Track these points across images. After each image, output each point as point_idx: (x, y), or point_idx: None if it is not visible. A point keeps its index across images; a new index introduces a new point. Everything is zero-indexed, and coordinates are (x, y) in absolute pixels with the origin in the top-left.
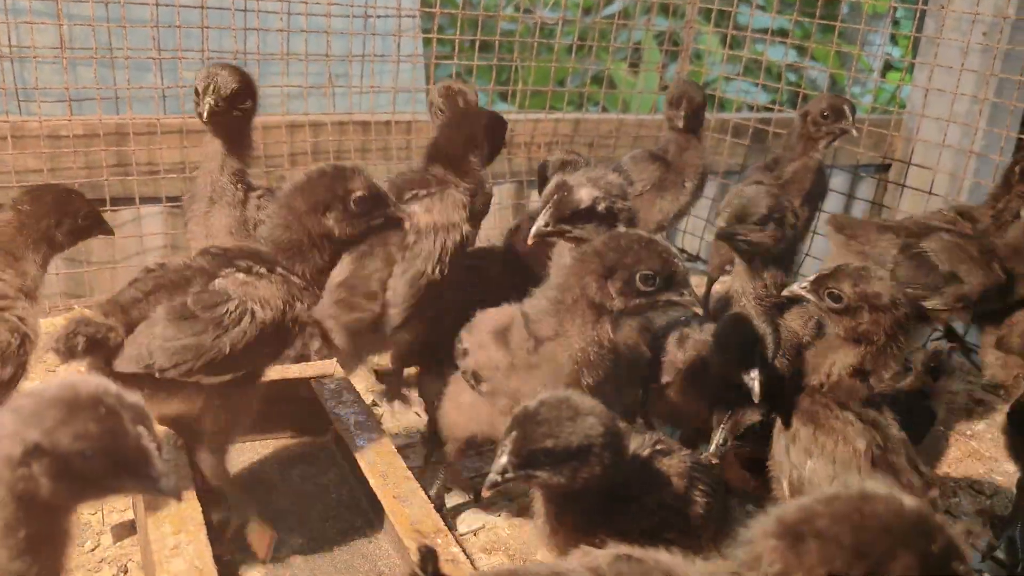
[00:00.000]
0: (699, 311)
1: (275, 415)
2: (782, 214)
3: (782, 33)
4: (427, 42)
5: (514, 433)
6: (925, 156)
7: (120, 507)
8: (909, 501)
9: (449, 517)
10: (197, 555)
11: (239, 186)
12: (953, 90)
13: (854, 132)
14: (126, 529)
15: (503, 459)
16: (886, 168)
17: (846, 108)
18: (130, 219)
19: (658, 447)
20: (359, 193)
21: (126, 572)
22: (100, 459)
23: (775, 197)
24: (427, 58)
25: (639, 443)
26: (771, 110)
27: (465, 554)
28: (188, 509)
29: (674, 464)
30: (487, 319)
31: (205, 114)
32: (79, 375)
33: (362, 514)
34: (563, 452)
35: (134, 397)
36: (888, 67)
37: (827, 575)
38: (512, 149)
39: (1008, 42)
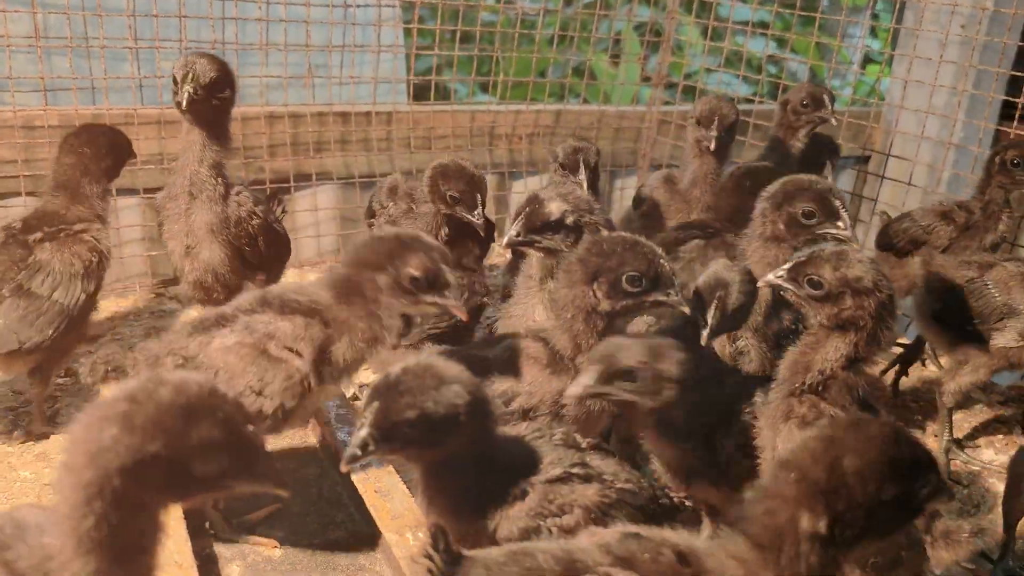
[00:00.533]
0: (686, 311)
1: None
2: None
3: (763, 25)
4: (407, 32)
5: (375, 404)
6: (904, 148)
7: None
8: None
9: None
10: (176, 550)
11: (219, 180)
12: (932, 82)
13: (833, 121)
14: None
15: (363, 432)
16: (866, 160)
17: (825, 97)
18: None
19: (576, 470)
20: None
21: None
22: (222, 462)
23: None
24: (408, 48)
25: (555, 459)
26: (752, 102)
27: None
28: None
29: (587, 495)
30: (524, 357)
31: (184, 103)
32: (168, 374)
33: (343, 508)
34: (427, 422)
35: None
36: (867, 60)
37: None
38: (493, 140)
39: (986, 34)
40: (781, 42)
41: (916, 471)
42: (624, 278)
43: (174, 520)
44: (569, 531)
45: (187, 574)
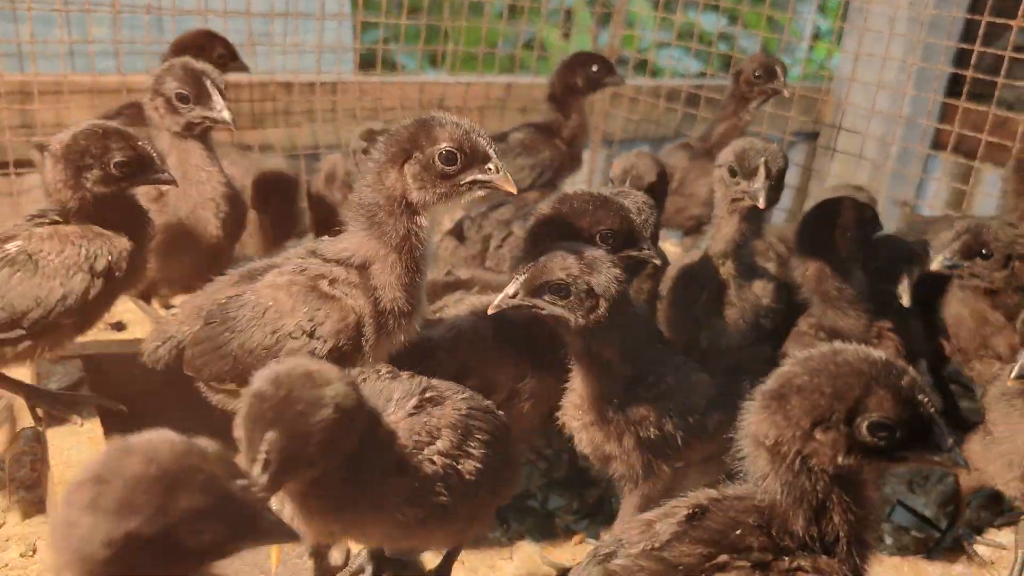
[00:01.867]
0: (658, 262)
1: None
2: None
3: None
4: (354, 2)
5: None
6: (854, 122)
7: (28, 483)
8: (875, 351)
9: None
10: None
11: None
12: (882, 55)
13: (786, 92)
14: (34, 506)
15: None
16: (816, 135)
17: (777, 68)
18: (36, 184)
19: (427, 394)
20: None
21: (35, 551)
22: (216, 530)
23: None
24: (354, 18)
25: (404, 393)
26: (704, 76)
27: None
28: None
29: (446, 414)
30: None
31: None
32: (136, 438)
33: None
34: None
35: (211, 445)
36: (816, 37)
37: (812, 424)
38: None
39: (935, 8)
40: (732, 17)
41: (865, 408)
42: (599, 237)
43: None
44: (447, 454)
45: None
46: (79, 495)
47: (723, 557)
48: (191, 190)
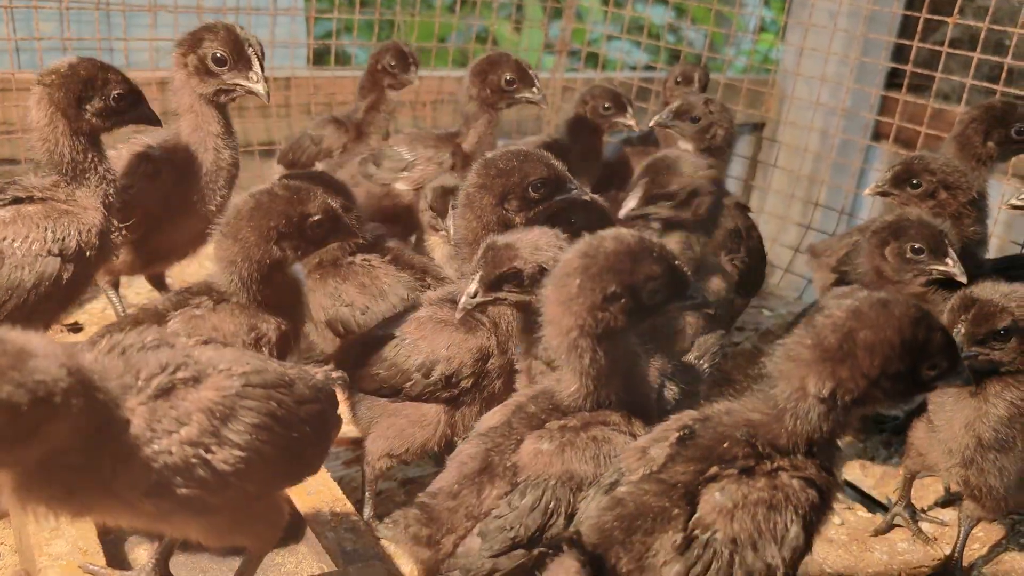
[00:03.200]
0: (587, 197)
1: None
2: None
3: None
4: None
5: None
6: (798, 115)
7: None
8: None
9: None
10: (80, 535)
11: None
12: (825, 49)
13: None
14: None
15: None
16: (761, 127)
17: (696, 75)
18: None
19: (181, 373)
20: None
21: None
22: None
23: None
24: (306, 12)
25: (152, 370)
26: (653, 69)
27: (366, 523)
28: None
29: (201, 397)
30: (434, 324)
31: None
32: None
33: None
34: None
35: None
36: (761, 29)
37: (880, 375)
38: (397, 107)
39: (874, 4)
40: (680, 10)
41: (927, 354)
42: (530, 187)
43: None
44: (194, 443)
45: (93, 560)
46: (571, 264)
47: (713, 469)
48: (205, 157)
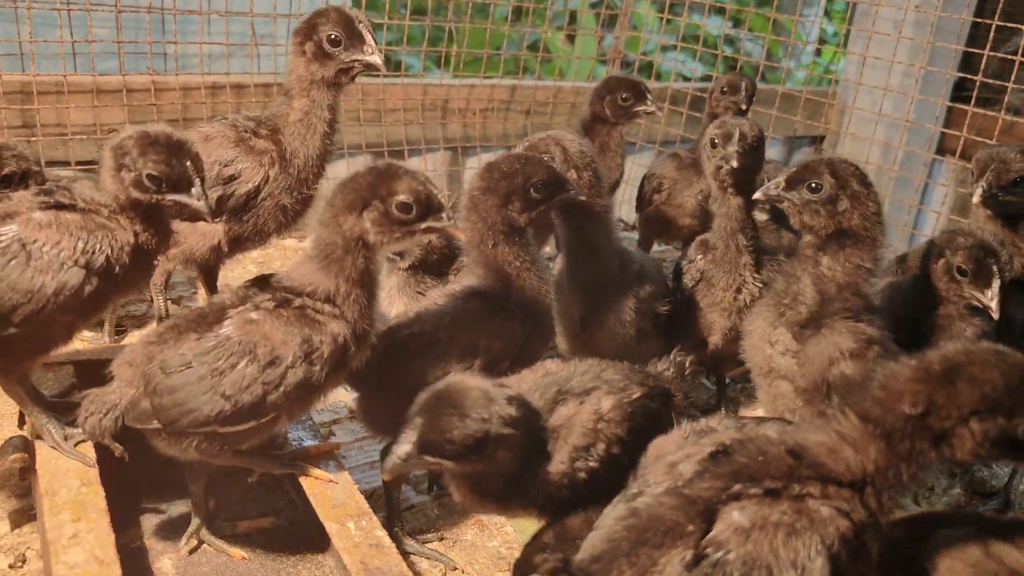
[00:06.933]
0: (583, 198)
1: None
2: None
3: (720, 3)
4: (357, 3)
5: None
6: (859, 127)
7: (19, 492)
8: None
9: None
10: (98, 544)
11: None
12: (889, 59)
13: (743, 106)
14: (24, 515)
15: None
16: (821, 139)
17: (743, 84)
18: None
19: None
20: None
21: (24, 562)
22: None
23: None
24: None
25: None
26: (709, 79)
27: (392, 538)
28: (89, 495)
29: None
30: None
31: None
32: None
33: (284, 495)
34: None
35: None
36: (822, 41)
37: (971, 413)
38: (446, 116)
39: (942, 11)
40: (737, 21)
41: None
42: (532, 190)
43: (96, 513)
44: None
45: (109, 570)
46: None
47: (737, 487)
48: (313, 141)
